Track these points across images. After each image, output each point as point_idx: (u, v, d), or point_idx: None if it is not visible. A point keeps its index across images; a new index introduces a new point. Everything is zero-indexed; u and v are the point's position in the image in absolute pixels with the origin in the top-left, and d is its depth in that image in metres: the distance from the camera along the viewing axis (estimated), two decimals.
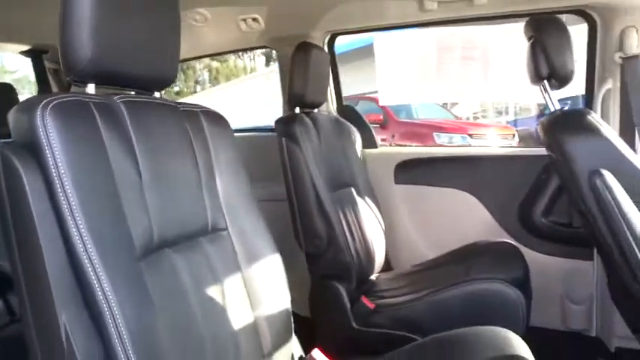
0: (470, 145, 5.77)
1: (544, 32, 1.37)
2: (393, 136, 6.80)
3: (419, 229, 2.09)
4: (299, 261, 1.72)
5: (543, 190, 1.86)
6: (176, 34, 0.97)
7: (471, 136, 6.36)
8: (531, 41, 1.42)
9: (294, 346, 1.17)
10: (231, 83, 18.60)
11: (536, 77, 1.42)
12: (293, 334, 1.16)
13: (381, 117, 6.86)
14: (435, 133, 6.53)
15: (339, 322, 1.52)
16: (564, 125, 1.30)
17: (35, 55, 2.00)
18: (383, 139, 4.97)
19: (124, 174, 0.82)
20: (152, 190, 0.87)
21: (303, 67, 1.64)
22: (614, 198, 1.16)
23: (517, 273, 1.49)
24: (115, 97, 0.87)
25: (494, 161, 2.00)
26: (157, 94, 1.01)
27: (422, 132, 6.67)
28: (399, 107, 7.38)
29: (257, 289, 1.07)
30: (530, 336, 1.85)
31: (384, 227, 1.93)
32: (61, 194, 0.70)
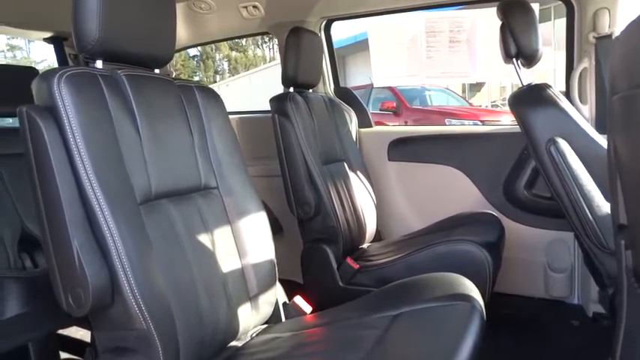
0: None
1: (511, 15, 1.48)
2: (405, 123, 6.88)
3: (410, 202, 2.23)
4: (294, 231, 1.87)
5: (526, 165, 1.96)
6: (172, 19, 1.13)
7: (483, 122, 6.39)
8: (501, 23, 1.54)
9: (278, 292, 1.33)
10: (249, 72, 18.78)
11: (507, 56, 1.54)
12: (277, 282, 1.32)
13: (395, 104, 6.95)
14: (447, 120, 6.58)
15: (326, 281, 1.68)
16: (526, 98, 1.42)
17: (57, 41, 2.19)
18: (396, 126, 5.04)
19: (125, 133, 0.99)
20: (150, 148, 1.04)
21: (295, 49, 1.79)
22: (567, 163, 1.29)
23: (489, 237, 1.61)
24: (119, 71, 1.03)
25: (481, 139, 2.11)
26: (156, 71, 1.17)
27: (434, 118, 6.73)
28: (412, 94, 7.44)
29: (244, 240, 1.22)
30: (514, 303, 1.98)
31: (375, 201, 2.07)
32: (73, 146, 0.88)
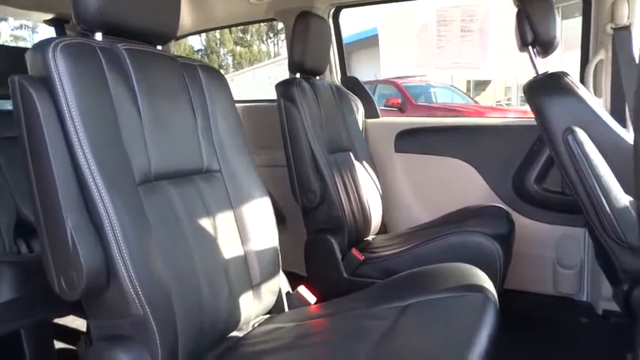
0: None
1: (528, 1, 1.43)
2: None
3: (416, 195, 2.18)
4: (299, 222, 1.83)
5: (537, 159, 1.91)
6: None
7: None
8: (518, 10, 1.49)
9: (281, 281, 1.28)
10: (253, 67, 18.76)
11: (522, 44, 1.48)
12: (280, 271, 1.27)
13: (400, 100, 6.89)
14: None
15: (330, 272, 1.63)
16: (542, 87, 1.37)
17: (58, 23, 2.15)
18: None
19: (125, 111, 0.94)
20: (151, 128, 0.99)
21: (303, 34, 1.74)
22: (584, 153, 1.24)
23: (500, 229, 1.56)
24: (119, 45, 0.98)
25: (490, 131, 2.06)
26: (158, 47, 1.12)
27: (440, 116, 6.68)
28: (418, 91, 7.41)
29: (247, 225, 1.18)
30: (522, 300, 1.93)
31: (381, 192, 2.02)
32: (68, 119, 0.83)
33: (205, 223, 1.08)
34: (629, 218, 1.20)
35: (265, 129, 2.07)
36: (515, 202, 1.99)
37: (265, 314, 1.25)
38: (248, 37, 25.56)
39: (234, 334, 1.14)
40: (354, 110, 2.08)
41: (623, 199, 1.21)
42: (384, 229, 2.07)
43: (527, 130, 1.94)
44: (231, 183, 1.17)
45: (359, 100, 2.22)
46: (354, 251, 1.65)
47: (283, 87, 1.72)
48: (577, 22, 1.87)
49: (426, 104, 7.21)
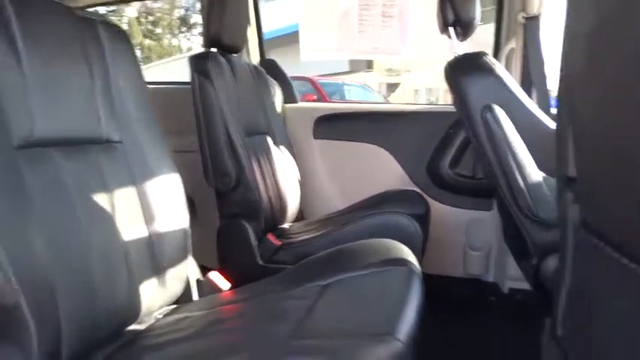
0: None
1: None
2: None
3: (334, 182, 2.13)
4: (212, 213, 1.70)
5: (451, 144, 1.94)
6: None
7: None
8: None
9: (190, 268, 1.15)
10: (163, 61, 17.96)
11: (444, 24, 1.48)
12: (190, 256, 1.14)
13: (315, 97, 6.92)
14: None
15: (244, 259, 1.52)
16: (462, 66, 1.36)
17: None
18: None
19: (4, 69, 0.79)
20: (35, 85, 0.84)
21: (220, 6, 1.61)
22: (502, 129, 1.24)
23: (417, 209, 1.55)
24: None
25: (408, 117, 2.07)
26: None
27: None
28: (333, 89, 7.53)
29: (152, 204, 1.04)
30: (434, 284, 1.96)
31: (300, 179, 1.95)
32: None
33: (101, 199, 0.93)
34: (542, 194, 1.23)
35: (176, 112, 1.89)
36: (429, 187, 2.01)
37: (172, 304, 1.11)
38: (159, 30, 24.41)
39: (133, 327, 1.00)
40: (272, 93, 1.98)
41: (537, 175, 1.23)
42: (301, 216, 1.99)
43: (443, 116, 1.97)
44: (135, 157, 1.03)
45: (277, 84, 2.12)
46: (270, 236, 1.55)
47: (197, 61, 1.57)
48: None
49: (340, 101, 7.32)
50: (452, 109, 1.76)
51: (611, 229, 0.58)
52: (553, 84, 1.75)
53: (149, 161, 1.06)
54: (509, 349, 1.56)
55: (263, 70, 2.00)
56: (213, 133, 1.55)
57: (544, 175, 1.24)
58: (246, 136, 1.66)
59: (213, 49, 1.67)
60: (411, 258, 0.98)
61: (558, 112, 0.85)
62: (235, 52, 1.81)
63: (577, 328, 0.78)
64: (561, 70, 0.84)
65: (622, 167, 0.55)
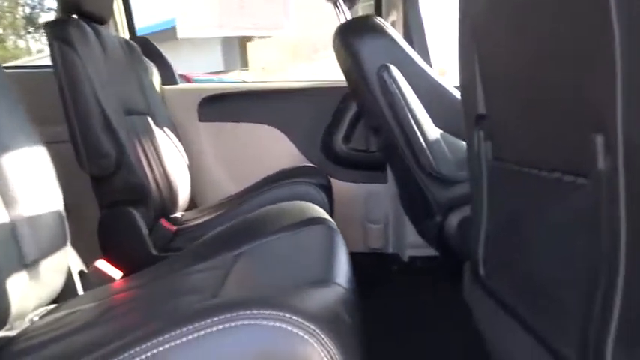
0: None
1: None
2: None
3: (225, 166, 2.01)
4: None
5: (343, 119, 1.94)
6: None
7: None
8: None
9: (70, 257, 0.97)
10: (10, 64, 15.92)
11: None
12: (68, 244, 0.96)
13: None
14: None
15: (134, 249, 1.33)
16: (353, 28, 1.35)
17: None
18: None
19: None
20: None
21: None
22: (399, 88, 1.25)
23: (321, 180, 1.51)
24: None
25: (297, 94, 2.02)
26: None
27: None
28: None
29: (13, 186, 0.86)
30: None
31: (188, 164, 1.79)
32: None
33: None
34: (441, 150, 1.25)
35: (44, 100, 1.62)
36: (325, 163, 1.99)
37: (51, 304, 0.93)
38: (0, 29, 21.61)
39: (0, 334, 0.81)
40: (149, 73, 1.79)
41: (435, 132, 1.26)
42: (193, 205, 1.84)
43: (333, 91, 1.95)
44: None
45: (153, 65, 1.94)
46: (164, 222, 1.39)
47: (56, 27, 1.34)
48: None
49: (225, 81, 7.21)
50: (342, 83, 1.75)
51: (516, 153, 0.60)
52: (434, 55, 1.83)
53: (3, 134, 0.87)
54: (418, 312, 1.60)
55: (137, 46, 1.81)
56: (84, 109, 1.33)
57: (441, 132, 1.27)
58: (124, 115, 1.47)
59: (74, 16, 1.45)
60: (327, 217, 0.92)
61: (461, 53, 0.85)
62: (100, 23, 1.59)
63: (499, 256, 0.78)
64: (461, 11, 0.84)
65: (528, 105, 0.58)
